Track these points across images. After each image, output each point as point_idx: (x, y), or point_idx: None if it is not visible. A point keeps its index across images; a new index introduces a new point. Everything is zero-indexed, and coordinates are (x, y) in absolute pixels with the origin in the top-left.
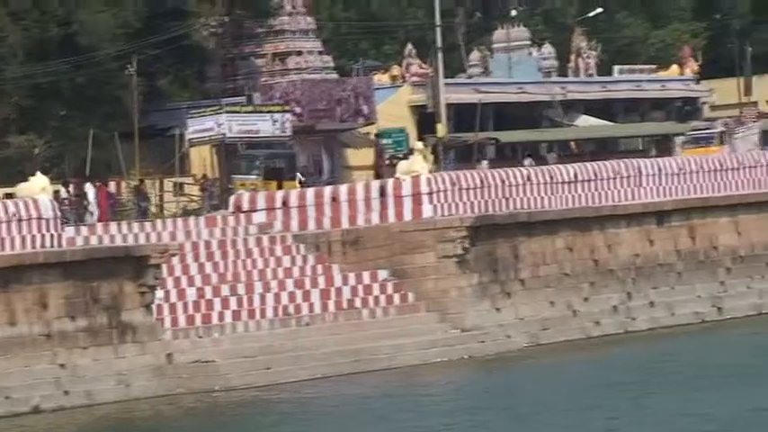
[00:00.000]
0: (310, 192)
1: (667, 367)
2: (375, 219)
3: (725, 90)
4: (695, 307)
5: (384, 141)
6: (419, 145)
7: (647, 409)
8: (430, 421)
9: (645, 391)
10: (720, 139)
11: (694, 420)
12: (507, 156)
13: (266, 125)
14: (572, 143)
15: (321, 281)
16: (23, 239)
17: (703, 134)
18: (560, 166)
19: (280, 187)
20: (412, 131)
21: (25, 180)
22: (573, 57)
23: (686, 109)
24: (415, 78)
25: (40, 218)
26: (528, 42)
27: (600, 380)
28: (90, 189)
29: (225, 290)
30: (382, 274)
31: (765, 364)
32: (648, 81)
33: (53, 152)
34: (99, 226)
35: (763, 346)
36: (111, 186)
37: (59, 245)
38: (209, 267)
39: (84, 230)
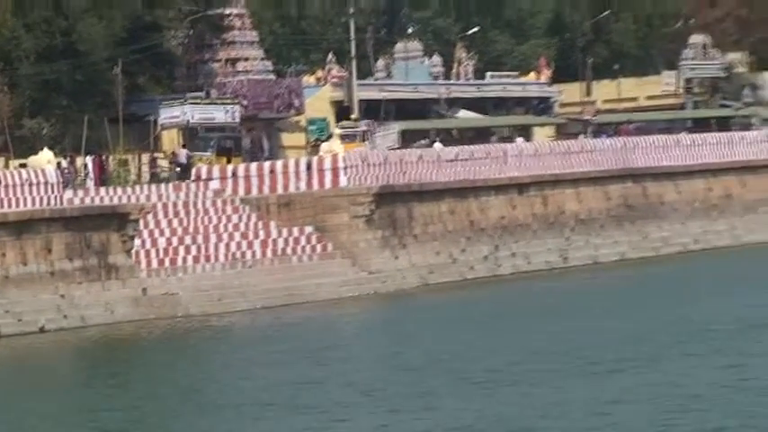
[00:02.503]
0: (253, 165)
1: (521, 302)
2: (303, 187)
3: (571, 92)
4: (547, 257)
5: (311, 128)
6: (337, 131)
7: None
8: (340, 339)
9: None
10: (363, 137)
11: (542, 337)
12: (408, 140)
13: (220, 114)
14: (454, 131)
15: (261, 234)
16: (33, 200)
17: (349, 132)
18: (445, 148)
19: (229, 162)
20: (332, 120)
21: (35, 154)
22: (455, 65)
23: (541, 106)
24: (334, 80)
25: (46, 183)
26: (421, 53)
27: (466, 309)
28: (89, 161)
29: (187, 240)
30: (308, 229)
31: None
32: (512, 84)
33: (56, 132)
34: (92, 189)
35: (592, 287)
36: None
37: (61, 204)
38: (175, 222)
39: (80, 193)
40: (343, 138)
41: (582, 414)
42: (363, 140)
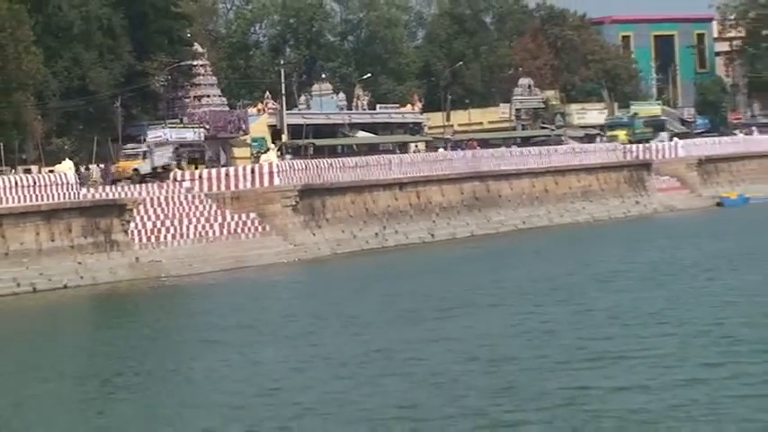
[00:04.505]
0: (214, 170)
1: (397, 265)
2: (248, 185)
3: (435, 118)
4: (419, 234)
5: (253, 144)
6: (272, 146)
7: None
8: (274, 291)
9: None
10: (143, 155)
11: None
12: (323, 153)
13: (190, 134)
14: (354, 146)
15: (219, 219)
16: (59, 195)
17: (131, 152)
18: (348, 158)
19: (197, 167)
20: (268, 139)
21: (59, 163)
22: (355, 99)
23: (415, 128)
24: (270, 110)
25: (68, 183)
26: (331, 91)
27: (359, 269)
28: (96, 169)
29: (167, 223)
30: (252, 215)
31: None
32: (395, 113)
33: (75, 148)
34: (101, 188)
35: (449, 255)
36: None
37: (78, 198)
38: (159, 211)
39: (92, 190)
40: (127, 156)
41: (400, 352)
42: (144, 158)
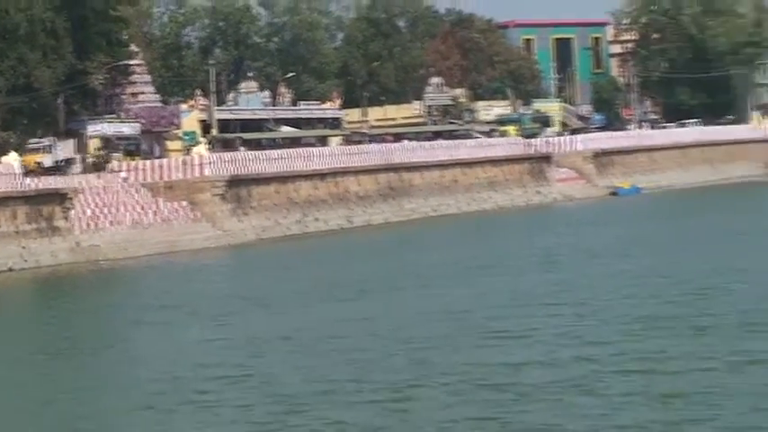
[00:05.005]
0: (149, 162)
1: (318, 249)
2: (181, 175)
3: (353, 114)
4: (338, 221)
5: (185, 138)
6: (202, 140)
7: (298, 268)
8: (202, 275)
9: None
10: (46, 149)
11: (321, 272)
12: (253, 146)
13: (127, 129)
14: (278, 140)
15: (153, 206)
16: (5, 184)
17: (35, 146)
18: (273, 150)
19: (133, 159)
20: (199, 133)
21: (6, 155)
22: (279, 96)
23: (334, 123)
24: (200, 106)
25: (14, 174)
26: (257, 89)
27: (281, 253)
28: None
29: (105, 210)
30: (184, 203)
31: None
32: (316, 109)
33: (20, 141)
34: (44, 177)
35: (364, 240)
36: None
37: (23, 187)
38: (97, 199)
39: (36, 179)
40: (32, 150)
41: (316, 331)
42: (46, 152)
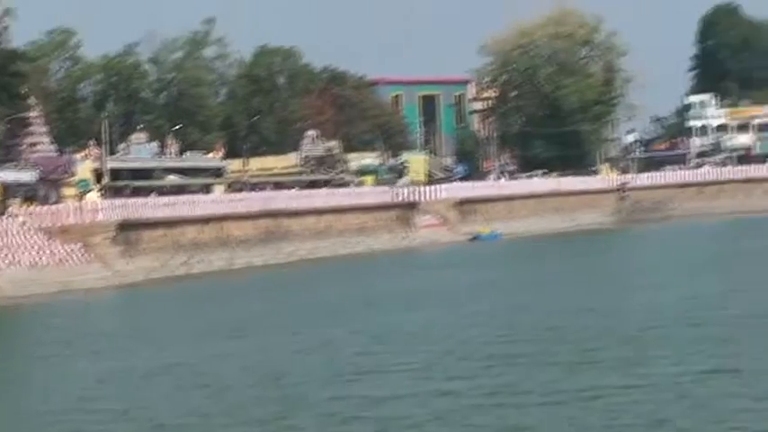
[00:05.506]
0: (46, 207)
1: (200, 289)
2: (75, 220)
3: (236, 164)
4: (220, 263)
5: (80, 185)
6: (95, 187)
7: (184, 307)
8: (93, 312)
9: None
10: None
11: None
12: (142, 193)
13: (26, 176)
14: (166, 187)
15: (49, 249)
16: None
17: None
18: (160, 197)
19: (30, 205)
20: (92, 181)
21: None
22: (167, 147)
23: (218, 172)
24: (94, 156)
25: None
26: (146, 140)
27: (164, 293)
28: None
29: (5, 251)
30: (78, 245)
31: (232, 289)
32: (201, 159)
33: None
34: None
35: (243, 281)
36: None
37: None
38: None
39: None
40: None
41: (194, 366)
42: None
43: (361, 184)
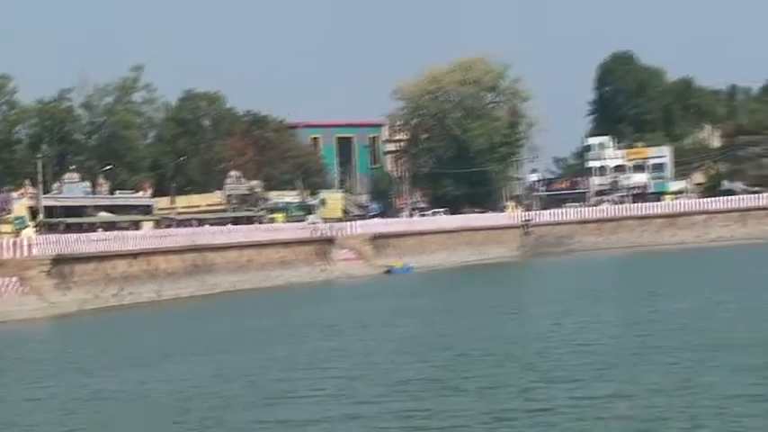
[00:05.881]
0: None
1: (129, 319)
2: (11, 255)
3: (164, 202)
4: (149, 294)
5: (16, 222)
6: (30, 224)
7: (114, 336)
8: (28, 342)
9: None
10: None
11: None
12: (75, 229)
13: None
14: (98, 224)
15: None
16: None
17: None
18: (92, 233)
19: None
20: (28, 218)
21: None
22: (98, 186)
23: (147, 209)
24: (29, 194)
25: None
26: (79, 179)
27: (97, 322)
28: None
29: None
30: (14, 279)
31: (160, 319)
32: (130, 197)
33: None
34: None
35: (171, 312)
36: None
37: None
38: None
39: None
40: None
41: (121, 393)
42: None
43: (272, 220)
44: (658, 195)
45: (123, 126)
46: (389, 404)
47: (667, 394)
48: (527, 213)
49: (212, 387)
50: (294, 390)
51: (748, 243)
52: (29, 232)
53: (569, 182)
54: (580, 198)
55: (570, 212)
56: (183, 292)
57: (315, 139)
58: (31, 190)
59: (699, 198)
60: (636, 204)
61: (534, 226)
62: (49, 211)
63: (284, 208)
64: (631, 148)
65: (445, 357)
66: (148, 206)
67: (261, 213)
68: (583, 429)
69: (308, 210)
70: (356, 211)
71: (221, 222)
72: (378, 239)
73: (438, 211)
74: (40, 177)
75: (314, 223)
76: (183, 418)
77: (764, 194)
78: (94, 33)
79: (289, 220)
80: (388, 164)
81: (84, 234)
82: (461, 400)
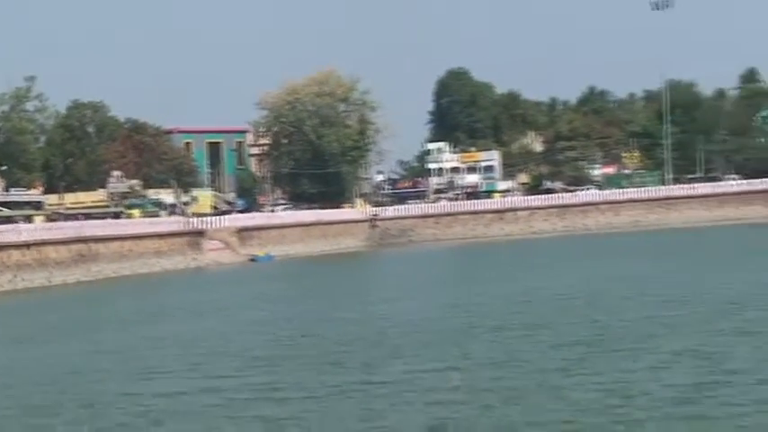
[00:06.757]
0: None
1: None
2: None
3: (53, 198)
4: (41, 280)
5: None
6: None
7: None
8: None
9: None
10: None
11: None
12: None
13: None
14: None
15: None
16: None
17: None
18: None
19: None
20: None
21: None
22: None
23: (38, 204)
24: None
25: None
26: None
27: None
28: None
29: None
30: None
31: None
32: (24, 194)
33: None
34: None
35: (62, 295)
36: None
37: None
38: None
39: None
40: None
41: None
42: None
43: (129, 216)
44: (489, 193)
45: (17, 132)
46: (244, 378)
47: (494, 367)
48: (374, 209)
49: (86, 362)
50: (160, 365)
51: (566, 235)
52: None
53: (411, 181)
54: (421, 196)
55: (412, 208)
56: (71, 278)
57: (187, 143)
58: None
59: (523, 196)
60: (469, 201)
61: (380, 220)
62: None
63: (141, 204)
64: (465, 152)
65: (295, 336)
66: (39, 202)
67: (119, 209)
68: (415, 400)
69: (160, 205)
70: (224, 207)
71: (104, 216)
72: (243, 232)
73: (283, 207)
74: None
75: (165, 217)
76: (53, 388)
77: (580, 192)
78: None
79: (144, 215)
80: (253, 165)
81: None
82: (307, 375)
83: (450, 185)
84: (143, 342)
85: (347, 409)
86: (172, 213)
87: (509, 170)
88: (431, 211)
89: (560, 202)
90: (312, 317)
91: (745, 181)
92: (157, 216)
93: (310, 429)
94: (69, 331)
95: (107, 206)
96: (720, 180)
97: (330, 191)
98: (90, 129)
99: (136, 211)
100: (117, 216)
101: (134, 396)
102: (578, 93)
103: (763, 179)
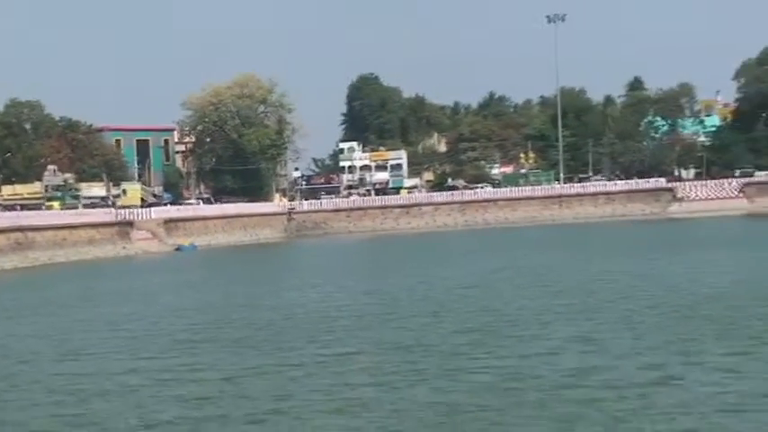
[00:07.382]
0: None
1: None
2: None
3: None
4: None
5: None
6: None
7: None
8: None
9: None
10: None
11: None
12: None
13: None
14: None
15: None
16: None
17: None
18: None
19: None
20: None
21: None
22: None
23: None
24: None
25: None
26: None
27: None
28: None
29: None
30: None
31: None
32: None
33: None
34: None
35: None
36: None
37: None
38: None
39: None
40: None
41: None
42: None
43: (49, 207)
44: (396, 190)
45: None
46: (167, 359)
47: (402, 351)
48: (291, 203)
49: (18, 344)
50: (90, 347)
51: (467, 229)
52: None
53: (325, 178)
54: (334, 191)
55: (326, 203)
56: (8, 264)
57: (118, 140)
58: None
59: (428, 192)
60: (378, 197)
61: (297, 213)
62: None
63: (60, 197)
64: (375, 151)
65: (215, 321)
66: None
67: (41, 201)
68: (325, 382)
69: (76, 197)
70: (152, 200)
71: (40, 207)
72: (169, 223)
73: (201, 198)
74: None
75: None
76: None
77: (480, 190)
78: None
79: (63, 207)
80: (179, 161)
81: None
82: (226, 357)
83: (361, 182)
84: (74, 325)
85: (262, 389)
86: (104, 206)
87: (415, 168)
88: (343, 206)
89: (462, 198)
90: (232, 302)
91: (630, 181)
92: (76, 208)
93: (227, 408)
94: (2, 315)
95: (43, 198)
96: (608, 180)
97: (250, 186)
98: (27, 126)
99: (56, 203)
100: (49, 206)
101: (63, 376)
102: (479, 98)
103: (647, 179)
